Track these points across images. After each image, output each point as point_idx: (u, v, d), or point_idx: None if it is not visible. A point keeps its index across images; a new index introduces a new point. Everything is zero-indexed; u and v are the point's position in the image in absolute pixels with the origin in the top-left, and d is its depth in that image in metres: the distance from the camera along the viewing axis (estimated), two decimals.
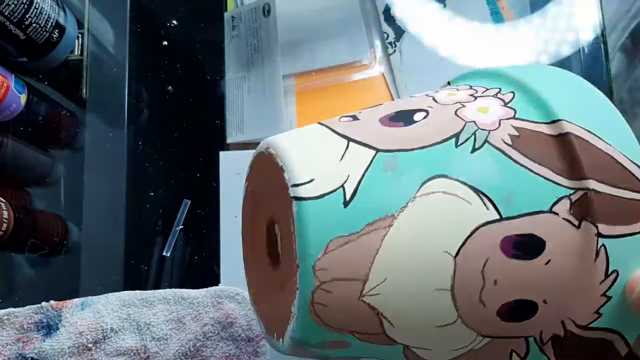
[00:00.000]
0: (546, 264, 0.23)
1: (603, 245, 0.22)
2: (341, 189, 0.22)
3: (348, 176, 0.23)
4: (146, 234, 0.50)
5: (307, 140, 0.25)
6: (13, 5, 0.45)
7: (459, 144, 0.24)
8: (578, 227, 0.23)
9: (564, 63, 0.50)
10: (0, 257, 0.49)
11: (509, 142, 0.24)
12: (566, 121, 0.24)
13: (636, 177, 0.24)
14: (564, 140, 0.24)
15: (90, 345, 0.42)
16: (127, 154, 0.51)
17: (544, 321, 0.23)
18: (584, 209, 0.23)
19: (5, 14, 0.45)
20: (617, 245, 0.23)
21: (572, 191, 0.23)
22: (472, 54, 0.50)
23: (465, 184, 0.23)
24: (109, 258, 0.49)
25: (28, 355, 0.42)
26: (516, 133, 0.24)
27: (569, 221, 0.23)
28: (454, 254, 0.22)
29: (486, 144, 0.24)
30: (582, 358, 0.23)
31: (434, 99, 0.27)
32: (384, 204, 0.22)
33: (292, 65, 0.52)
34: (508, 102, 0.26)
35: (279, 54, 0.52)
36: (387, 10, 0.53)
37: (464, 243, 0.22)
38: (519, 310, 0.23)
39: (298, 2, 0.53)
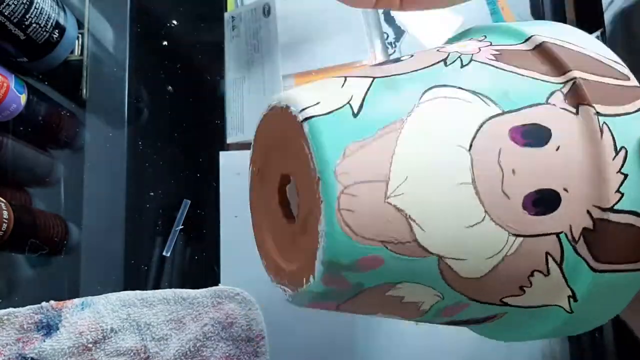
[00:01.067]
0: (557, 149, 0.24)
1: (605, 123, 0.24)
2: (348, 105, 0.23)
3: (352, 96, 0.24)
4: (146, 234, 0.50)
5: (309, 86, 0.26)
6: (13, 6, 0.45)
7: (447, 64, 0.26)
8: (576, 113, 0.24)
9: None
10: (0, 257, 0.49)
11: (493, 58, 0.27)
12: (538, 35, 0.27)
13: (615, 69, 0.26)
14: (540, 49, 0.27)
15: (90, 345, 0.42)
16: (127, 154, 0.51)
17: (570, 213, 0.24)
18: (577, 95, 0.25)
19: (6, 14, 0.45)
20: (617, 123, 0.24)
21: (561, 85, 0.25)
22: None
23: (462, 89, 0.25)
24: (109, 258, 0.49)
25: (28, 355, 0.42)
26: (497, 52, 0.27)
27: (566, 109, 0.25)
28: (467, 147, 0.23)
29: (472, 62, 0.26)
30: (618, 250, 0.24)
31: (412, 55, 0.29)
32: (391, 112, 0.24)
33: (292, 66, 0.52)
34: (482, 40, 0.29)
35: (279, 54, 0.52)
36: (387, 11, 0.53)
37: (474, 137, 0.23)
38: (543, 201, 0.23)
39: (298, 2, 0.53)
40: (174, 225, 0.49)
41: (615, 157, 0.23)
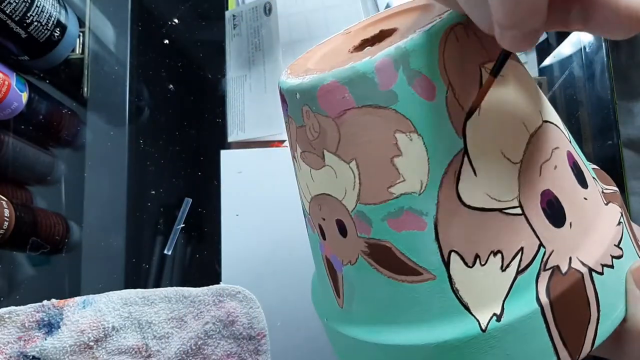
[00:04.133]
0: (585, 198, 0.25)
1: (622, 223, 0.25)
2: None
3: None
4: (147, 233, 0.50)
5: None
6: (14, 4, 0.45)
7: None
8: (606, 204, 0.26)
9: (565, 62, 0.50)
10: (2, 256, 0.49)
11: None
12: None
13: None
14: (598, 170, 0.30)
15: (91, 343, 0.42)
16: (128, 152, 0.51)
17: (561, 241, 0.23)
18: (612, 198, 0.26)
19: (7, 12, 0.45)
20: (627, 237, 0.25)
21: (603, 187, 0.27)
22: None
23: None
24: (110, 256, 0.49)
25: (29, 354, 0.42)
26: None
27: (600, 195, 0.26)
28: (543, 118, 0.24)
29: None
30: (564, 304, 0.23)
31: None
32: None
33: None
34: None
35: (280, 52, 0.52)
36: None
37: (548, 121, 0.24)
38: (555, 209, 0.23)
39: (299, 1, 0.53)
40: (175, 223, 0.49)
41: (616, 246, 0.24)
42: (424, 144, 0.22)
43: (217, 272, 0.47)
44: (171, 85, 0.54)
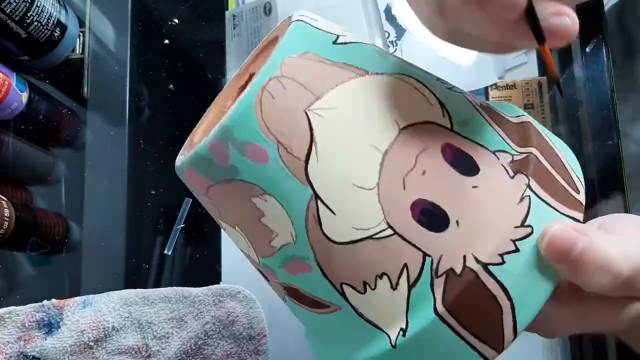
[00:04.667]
0: (474, 187, 0.24)
1: (528, 196, 0.23)
2: (336, 36, 0.26)
3: (345, 33, 0.26)
4: (147, 233, 0.50)
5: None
6: (15, 4, 0.45)
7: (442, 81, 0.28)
8: (512, 177, 0.24)
9: (565, 62, 0.50)
10: (2, 256, 0.49)
11: (479, 104, 0.27)
12: (528, 118, 0.28)
13: (572, 177, 0.26)
14: (521, 124, 0.27)
15: (91, 343, 0.42)
16: (128, 152, 0.51)
17: (448, 245, 0.23)
18: (522, 165, 0.24)
19: (7, 12, 0.45)
20: (540, 206, 0.23)
21: (516, 153, 0.25)
22: (472, 54, 0.50)
23: (432, 93, 0.26)
24: (110, 256, 0.49)
25: (29, 354, 0.42)
26: (486, 105, 0.28)
27: (505, 169, 0.25)
28: (401, 126, 0.24)
29: (458, 92, 0.27)
30: (467, 311, 0.22)
31: None
32: (363, 62, 0.25)
33: None
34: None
35: None
36: (388, 10, 0.53)
37: (415, 123, 0.24)
38: (432, 216, 0.23)
39: (299, 1, 0.53)
40: (175, 223, 0.49)
41: (518, 227, 0.23)
42: (277, 201, 0.24)
43: (217, 272, 0.47)
44: (171, 85, 0.54)
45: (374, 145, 0.23)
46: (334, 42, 0.25)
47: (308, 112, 0.23)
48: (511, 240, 0.22)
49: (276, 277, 0.27)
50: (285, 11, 0.53)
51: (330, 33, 0.25)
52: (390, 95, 0.25)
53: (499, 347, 0.22)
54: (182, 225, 0.49)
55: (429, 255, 0.23)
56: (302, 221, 0.24)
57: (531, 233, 0.23)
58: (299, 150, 0.23)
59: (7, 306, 0.43)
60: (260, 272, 0.29)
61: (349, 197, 0.23)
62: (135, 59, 0.54)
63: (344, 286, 0.24)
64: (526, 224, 0.23)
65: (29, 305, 0.43)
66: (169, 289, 0.44)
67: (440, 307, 0.22)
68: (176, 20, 0.55)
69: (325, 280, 0.25)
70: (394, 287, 0.23)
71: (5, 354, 0.42)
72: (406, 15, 0.53)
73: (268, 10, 0.53)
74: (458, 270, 0.23)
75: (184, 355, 0.42)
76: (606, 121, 0.49)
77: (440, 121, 0.25)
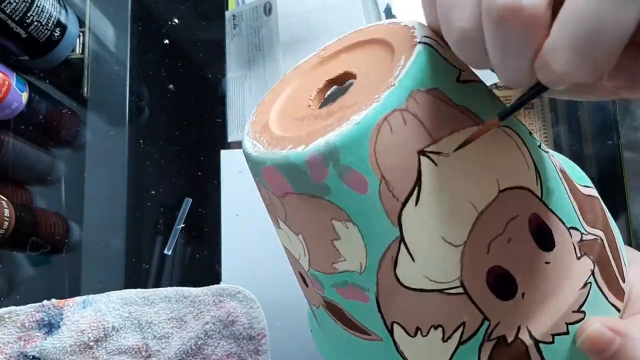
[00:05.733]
0: (546, 263, 0.24)
1: (590, 283, 0.24)
2: (460, 71, 0.24)
3: (463, 68, 0.24)
4: (147, 233, 0.50)
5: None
6: (15, 4, 0.45)
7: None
8: (579, 258, 0.25)
9: None
10: (2, 256, 0.49)
11: (562, 169, 0.27)
12: (596, 196, 0.28)
13: (622, 263, 0.27)
14: (591, 199, 0.27)
15: (91, 343, 0.42)
16: (128, 152, 0.51)
17: (509, 314, 0.23)
18: (589, 249, 0.25)
19: (7, 12, 0.45)
20: (596, 295, 0.24)
21: (585, 233, 0.25)
22: None
23: (530, 152, 0.25)
24: (110, 256, 0.49)
25: (29, 354, 0.42)
26: (563, 169, 0.28)
27: (575, 248, 0.25)
28: (500, 188, 0.23)
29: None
30: None
31: None
32: (483, 110, 0.24)
33: (293, 64, 0.52)
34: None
35: (280, 52, 0.52)
36: (388, 10, 0.53)
37: (512, 187, 0.23)
38: (503, 283, 0.23)
39: (299, 1, 0.53)
40: (175, 223, 0.49)
41: (575, 312, 0.24)
42: (359, 231, 0.23)
43: (217, 272, 0.47)
44: (171, 85, 0.54)
45: (473, 203, 0.23)
46: (457, 80, 0.23)
47: (421, 155, 0.22)
48: (565, 323, 0.23)
49: (322, 290, 0.26)
50: (285, 11, 0.53)
51: (454, 66, 0.23)
52: (496, 151, 0.24)
53: None
54: (182, 225, 0.49)
55: (488, 320, 0.23)
56: (377, 258, 0.23)
57: (583, 319, 0.23)
58: (400, 191, 0.22)
59: (7, 306, 0.43)
60: (301, 275, 0.28)
61: (434, 250, 0.23)
62: (135, 59, 0.54)
63: (394, 325, 0.24)
64: (582, 309, 0.23)
65: (29, 305, 0.43)
66: (169, 289, 0.44)
67: None
68: (176, 20, 0.55)
69: (378, 314, 0.24)
70: (445, 339, 0.23)
71: (5, 354, 0.42)
72: (406, 15, 0.53)
73: (268, 10, 0.53)
74: (510, 339, 0.23)
75: (184, 355, 0.42)
76: (606, 121, 0.49)
77: (533, 188, 0.24)
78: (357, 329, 0.26)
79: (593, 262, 0.24)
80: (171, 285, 0.46)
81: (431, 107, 0.22)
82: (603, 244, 0.25)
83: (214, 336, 0.43)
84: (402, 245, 0.22)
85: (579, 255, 0.24)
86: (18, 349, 0.42)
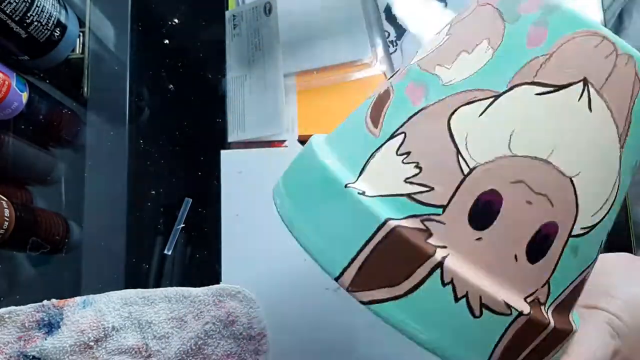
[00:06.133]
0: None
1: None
2: None
3: None
4: (147, 233, 0.50)
5: None
6: (15, 4, 0.45)
7: None
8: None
9: None
10: (2, 256, 0.49)
11: None
12: None
13: None
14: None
15: (91, 343, 0.42)
16: (128, 152, 0.51)
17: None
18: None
19: (7, 12, 0.45)
20: None
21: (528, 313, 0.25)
22: None
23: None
24: (110, 256, 0.49)
25: (29, 354, 0.42)
26: None
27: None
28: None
29: None
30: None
31: None
32: None
33: (293, 64, 0.52)
34: None
35: (280, 52, 0.52)
36: (388, 9, 0.53)
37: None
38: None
39: (299, 1, 0.53)
40: (175, 223, 0.49)
41: None
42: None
43: (217, 272, 0.47)
44: (171, 85, 0.54)
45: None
46: None
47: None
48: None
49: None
50: (285, 11, 0.53)
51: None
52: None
53: None
54: (182, 225, 0.49)
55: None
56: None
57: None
58: None
59: (7, 306, 0.43)
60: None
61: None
62: (135, 59, 0.54)
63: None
64: None
65: (29, 305, 0.43)
66: (169, 289, 0.44)
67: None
68: (176, 20, 0.55)
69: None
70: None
71: (5, 354, 0.42)
72: (406, 15, 0.53)
73: (268, 10, 0.53)
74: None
75: (184, 355, 0.42)
76: None
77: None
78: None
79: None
80: (171, 285, 0.46)
81: None
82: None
83: (214, 336, 0.43)
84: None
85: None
86: (18, 349, 0.42)
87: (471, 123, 0.24)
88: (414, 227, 0.23)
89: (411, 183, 0.24)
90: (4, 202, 0.44)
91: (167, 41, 0.55)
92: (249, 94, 0.52)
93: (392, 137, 0.26)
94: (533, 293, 0.24)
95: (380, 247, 0.24)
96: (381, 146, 0.26)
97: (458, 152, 0.24)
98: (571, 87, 0.23)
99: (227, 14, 0.55)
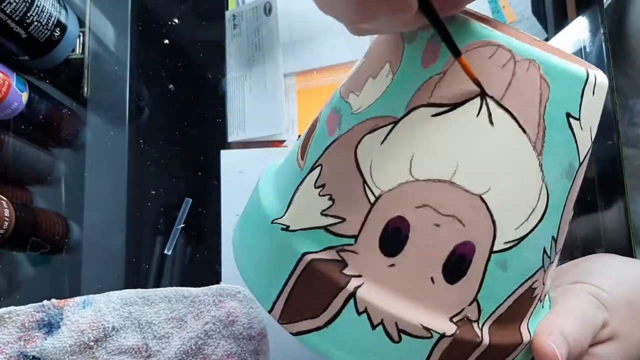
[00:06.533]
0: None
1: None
2: None
3: None
4: (147, 233, 0.50)
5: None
6: (15, 4, 0.45)
7: None
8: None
9: None
10: (2, 256, 0.49)
11: None
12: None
13: None
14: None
15: (91, 343, 0.42)
16: (128, 152, 0.51)
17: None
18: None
19: (7, 12, 0.45)
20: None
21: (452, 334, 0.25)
22: None
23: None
24: (110, 256, 0.49)
25: (29, 354, 0.42)
26: None
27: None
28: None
29: None
30: None
31: None
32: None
33: (294, 64, 0.52)
34: None
35: (280, 52, 0.52)
36: None
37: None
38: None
39: (299, 1, 0.53)
40: (175, 223, 0.49)
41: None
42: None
43: (217, 272, 0.47)
44: (171, 85, 0.54)
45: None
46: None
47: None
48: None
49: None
50: (285, 11, 0.53)
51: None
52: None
53: None
54: (182, 225, 0.49)
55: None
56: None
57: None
58: None
59: (7, 306, 0.43)
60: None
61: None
62: (135, 59, 0.54)
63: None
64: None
65: (29, 305, 0.43)
66: (169, 289, 0.44)
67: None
68: (176, 20, 0.55)
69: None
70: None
71: (5, 354, 0.42)
72: None
73: (268, 10, 0.53)
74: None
75: (184, 355, 0.42)
76: (606, 121, 0.49)
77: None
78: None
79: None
80: (171, 285, 0.46)
81: None
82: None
83: (214, 336, 0.43)
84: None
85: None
86: (18, 349, 0.42)
87: (374, 151, 0.24)
88: (330, 258, 0.24)
89: (326, 215, 0.24)
90: (4, 202, 0.44)
91: (167, 41, 0.55)
92: (249, 94, 0.52)
93: (312, 169, 0.26)
94: (460, 312, 0.23)
95: (300, 281, 0.24)
96: (303, 179, 0.26)
97: (364, 181, 0.24)
98: (467, 103, 0.23)
99: (227, 14, 0.55)
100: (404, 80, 0.24)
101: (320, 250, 0.24)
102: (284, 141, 0.51)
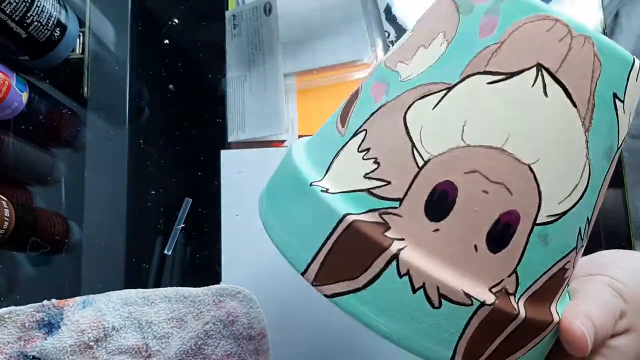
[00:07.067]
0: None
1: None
2: None
3: None
4: (147, 233, 0.50)
5: None
6: (15, 4, 0.45)
7: None
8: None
9: None
10: (2, 256, 0.49)
11: None
12: None
13: None
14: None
15: (91, 343, 0.42)
16: (128, 152, 0.51)
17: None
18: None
19: (7, 12, 0.45)
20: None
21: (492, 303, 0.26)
22: None
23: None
24: (110, 256, 0.49)
25: (29, 354, 0.42)
26: None
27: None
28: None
29: None
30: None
31: None
32: None
33: (293, 64, 0.52)
34: None
35: (280, 52, 0.52)
36: (388, 9, 0.53)
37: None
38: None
39: (299, 1, 0.53)
40: (175, 223, 0.49)
41: None
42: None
43: (217, 272, 0.47)
44: (171, 85, 0.54)
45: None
46: None
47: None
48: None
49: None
50: (285, 11, 0.53)
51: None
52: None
53: None
54: (182, 225, 0.49)
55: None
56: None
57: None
58: None
59: (7, 306, 0.43)
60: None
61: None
62: (135, 59, 0.54)
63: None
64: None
65: (29, 305, 0.43)
66: (169, 289, 0.44)
67: None
68: (176, 20, 0.55)
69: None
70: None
71: (5, 354, 0.42)
72: (406, 15, 0.53)
73: (268, 10, 0.53)
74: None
75: (184, 355, 0.42)
76: None
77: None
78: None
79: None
80: (171, 285, 0.46)
81: None
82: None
83: (214, 336, 0.43)
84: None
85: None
86: (18, 349, 0.42)
87: (425, 116, 0.24)
88: (372, 221, 0.24)
89: (370, 178, 0.24)
90: (4, 202, 0.44)
91: (167, 41, 0.55)
92: (249, 94, 0.52)
93: (355, 134, 0.26)
94: (499, 283, 0.23)
95: (340, 242, 0.24)
96: (345, 144, 0.26)
97: (413, 145, 0.24)
98: (524, 73, 0.23)
99: (227, 14, 0.55)
100: (459, 48, 0.25)
101: (362, 213, 0.24)
102: (284, 141, 0.51)
